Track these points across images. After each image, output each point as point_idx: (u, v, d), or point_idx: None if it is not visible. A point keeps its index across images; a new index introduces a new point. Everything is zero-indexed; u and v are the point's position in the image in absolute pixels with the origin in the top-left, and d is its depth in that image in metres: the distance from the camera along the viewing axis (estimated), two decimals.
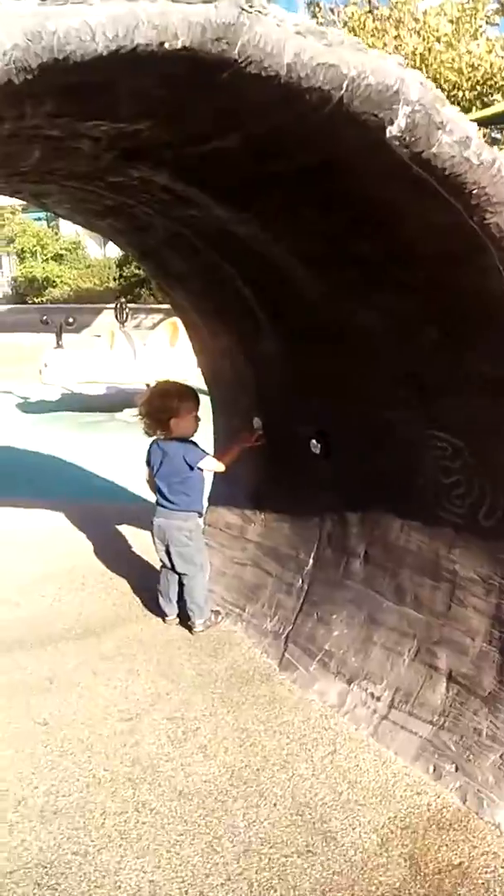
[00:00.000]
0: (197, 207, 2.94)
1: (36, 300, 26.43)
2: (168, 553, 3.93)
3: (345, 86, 1.68)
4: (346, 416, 3.36)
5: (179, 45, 1.58)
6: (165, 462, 3.85)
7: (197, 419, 3.87)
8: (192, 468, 3.81)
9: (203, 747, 3.07)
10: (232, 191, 2.62)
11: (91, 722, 3.27)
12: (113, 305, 14.67)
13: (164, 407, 3.80)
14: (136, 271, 23.68)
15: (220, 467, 3.92)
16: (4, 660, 3.79)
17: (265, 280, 3.34)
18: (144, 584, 4.55)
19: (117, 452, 7.93)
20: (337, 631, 3.45)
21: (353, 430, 3.35)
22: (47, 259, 27.84)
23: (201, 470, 3.87)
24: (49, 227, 29.73)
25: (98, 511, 6.03)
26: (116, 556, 5.06)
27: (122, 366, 9.65)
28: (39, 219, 30.44)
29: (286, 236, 2.83)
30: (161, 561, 4.02)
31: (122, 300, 11.58)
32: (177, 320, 10.52)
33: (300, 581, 3.77)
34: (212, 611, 4.05)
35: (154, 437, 3.93)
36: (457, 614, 2.96)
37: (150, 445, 3.97)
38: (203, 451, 3.87)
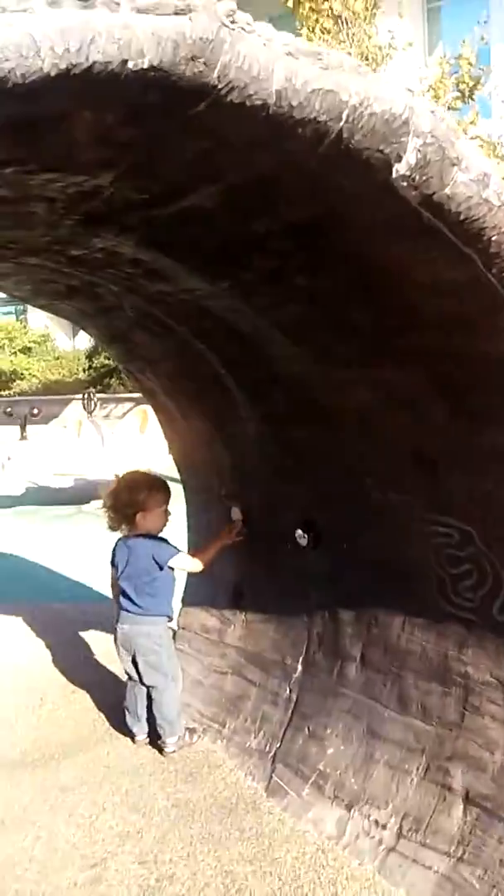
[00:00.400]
0: (167, 281, 2.68)
1: (3, 393, 26.16)
2: (135, 664, 3.52)
3: (345, 116, 1.42)
4: (338, 501, 3.04)
5: (146, 65, 1.31)
6: (132, 561, 3.48)
7: (167, 514, 3.53)
8: (161, 567, 3.44)
9: None
10: (208, 258, 2.35)
11: (47, 870, 2.79)
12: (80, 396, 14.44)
13: (130, 501, 3.45)
14: (106, 361, 23.57)
15: (196, 566, 3.55)
16: None
17: (245, 358, 3.06)
18: (110, 698, 4.08)
19: (82, 548, 7.49)
20: (332, 748, 3.04)
21: (346, 516, 3.03)
22: (15, 352, 27.72)
23: (172, 569, 3.50)
24: (17, 320, 29.75)
25: (59, 614, 5.57)
26: (78, 667, 4.59)
27: (89, 456, 9.31)
28: (8, 312, 30.51)
29: (270, 308, 2.57)
30: (127, 673, 3.60)
31: (91, 390, 11.32)
32: (147, 408, 10.29)
33: (288, 690, 3.36)
34: (186, 728, 3.60)
35: (120, 535, 3.57)
36: (472, 724, 2.58)
37: (116, 543, 3.60)
38: (174, 547, 3.51)
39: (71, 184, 1.76)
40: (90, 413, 10.39)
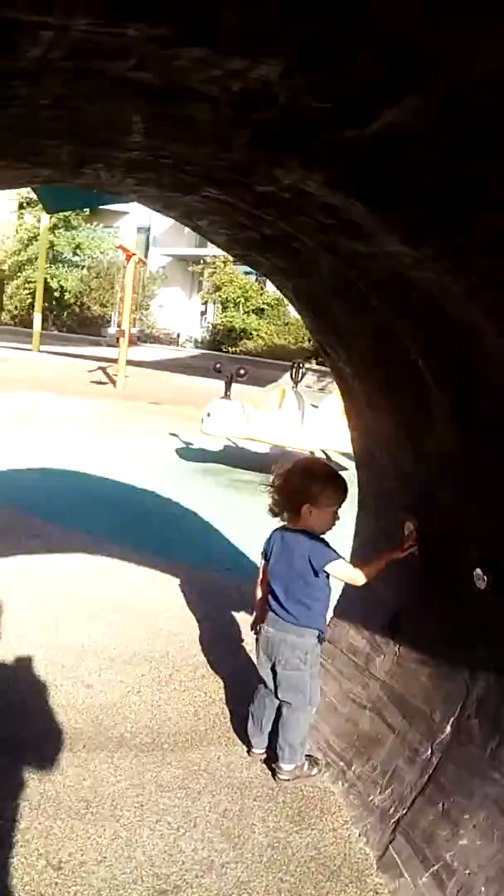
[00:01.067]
0: (365, 239, 2.18)
1: (230, 349, 26.71)
2: (273, 673, 3.10)
3: None
4: None
5: None
6: (286, 558, 3.06)
7: (336, 515, 3.06)
8: (317, 572, 2.99)
9: None
10: (412, 210, 1.83)
11: (114, 880, 2.47)
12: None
13: (301, 488, 3.01)
14: None
15: (356, 577, 3.05)
16: (47, 763, 3.07)
17: (450, 351, 2.51)
18: (241, 695, 3.72)
19: (260, 521, 7.22)
20: (466, 839, 2.46)
21: None
22: (248, 311, 28.18)
23: (327, 576, 3.03)
24: (256, 280, 30.20)
25: (217, 587, 5.29)
26: (220, 649, 4.28)
27: (287, 427, 8.98)
28: (248, 273, 31.05)
29: (486, 289, 2.00)
30: (261, 679, 3.19)
31: (301, 360, 10.96)
32: None
33: (429, 751, 2.80)
34: (307, 756, 3.16)
35: (278, 525, 3.15)
36: None
37: (272, 533, 3.19)
38: (334, 552, 3.04)
39: (229, 73, 1.31)
40: (296, 383, 10.02)
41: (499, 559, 2.63)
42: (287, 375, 11.81)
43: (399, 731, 2.99)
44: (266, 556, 3.19)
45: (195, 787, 3.03)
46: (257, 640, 3.21)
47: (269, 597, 3.13)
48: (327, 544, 3.04)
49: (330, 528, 3.06)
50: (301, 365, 10.45)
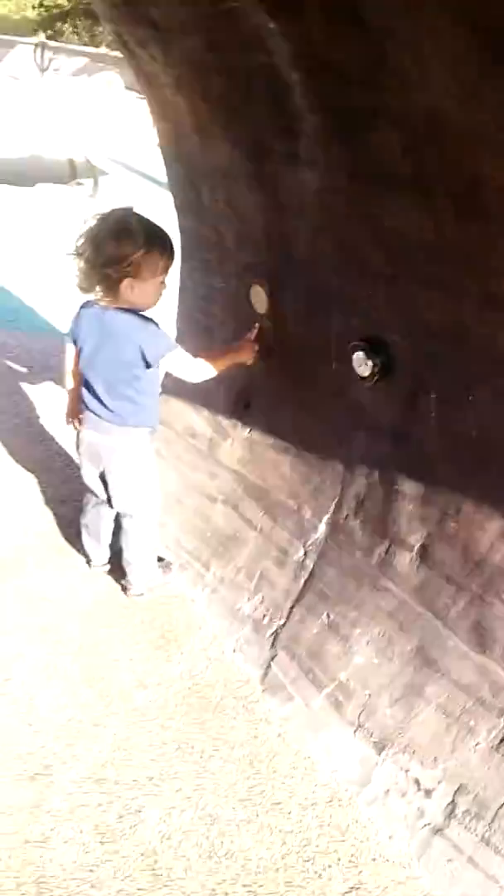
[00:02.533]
0: None
1: None
2: (103, 481, 2.57)
3: None
4: (437, 325, 1.96)
5: None
6: (107, 346, 2.37)
7: (163, 286, 2.37)
8: (149, 365, 2.37)
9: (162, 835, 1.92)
10: None
11: None
12: (32, 42, 11.88)
13: (116, 256, 2.24)
14: (60, 0, 19.90)
15: (198, 373, 2.47)
16: None
17: (330, 62, 1.77)
18: (61, 495, 3.21)
19: (27, 247, 6.18)
20: (361, 657, 2.25)
21: (446, 350, 1.97)
22: None
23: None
24: None
25: None
26: (22, 436, 3.64)
27: (43, 127, 7.52)
28: None
29: None
30: (89, 489, 2.66)
31: (44, 41, 9.05)
32: (114, 76, 8.28)
33: (301, 552, 2.50)
34: (158, 560, 2.78)
35: (88, 299, 2.41)
36: None
37: (81, 310, 2.46)
38: (170, 339, 2.41)
39: None
40: (43, 71, 8.30)
41: (384, 342, 2.16)
42: (25, 52, 9.83)
43: (261, 528, 2.65)
44: (74, 338, 2.49)
45: (38, 623, 2.58)
46: (77, 443, 2.62)
47: (85, 391, 2.49)
48: (158, 326, 2.39)
49: (156, 303, 2.39)
50: (46, 47, 8.62)
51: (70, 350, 2.55)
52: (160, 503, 2.72)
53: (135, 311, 2.35)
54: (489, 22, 1.30)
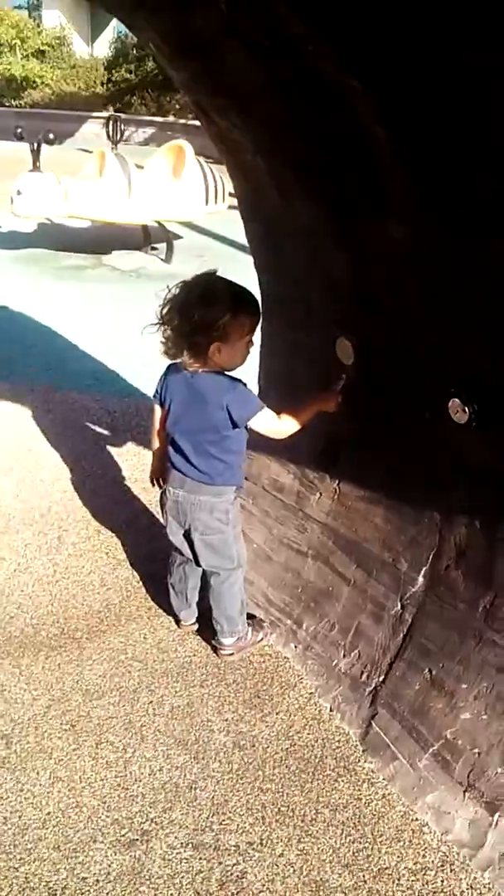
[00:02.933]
0: None
1: (13, 102, 23.31)
2: (189, 540, 2.56)
3: None
4: None
5: None
6: (194, 409, 2.39)
7: (250, 344, 2.39)
8: (236, 425, 2.37)
9: None
10: None
11: (70, 842, 2.02)
12: (102, 116, 12.42)
13: (204, 323, 2.25)
14: (127, 75, 20.82)
15: (284, 431, 2.46)
16: None
17: (419, 112, 1.78)
18: (149, 549, 3.21)
19: (105, 313, 6.35)
20: (468, 713, 2.16)
21: None
22: (27, 55, 24.32)
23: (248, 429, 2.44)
24: (31, 16, 25.94)
25: (80, 409, 4.57)
26: (107, 495, 3.68)
27: (112, 198, 7.80)
28: (19, 6, 26.57)
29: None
30: (176, 549, 2.65)
31: (117, 114, 9.45)
32: (183, 143, 8.56)
33: (399, 606, 2.44)
34: (249, 619, 2.74)
35: (165, 358, 2.43)
36: None
37: (168, 372, 2.48)
38: (257, 399, 2.41)
39: None
40: (115, 144, 8.65)
41: (481, 384, 2.11)
42: (95, 127, 10.25)
43: (355, 582, 2.60)
44: (161, 400, 2.51)
45: (129, 685, 2.56)
46: (162, 502, 2.62)
47: (172, 451, 2.50)
48: (245, 387, 2.40)
49: (244, 362, 2.41)
50: (118, 120, 8.99)
51: (157, 411, 2.58)
52: (246, 560, 2.69)
53: (221, 373, 2.36)
54: None
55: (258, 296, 2.83)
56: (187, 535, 2.56)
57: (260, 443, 2.94)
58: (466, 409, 2.12)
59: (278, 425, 2.42)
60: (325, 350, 2.59)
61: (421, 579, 2.39)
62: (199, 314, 2.24)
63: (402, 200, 2.03)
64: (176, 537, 2.60)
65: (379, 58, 1.71)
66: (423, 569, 2.38)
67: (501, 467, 2.10)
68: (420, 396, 2.29)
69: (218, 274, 2.37)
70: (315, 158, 2.27)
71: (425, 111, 1.75)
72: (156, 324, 2.34)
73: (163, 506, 2.61)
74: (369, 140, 1.98)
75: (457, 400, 2.14)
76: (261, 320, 2.84)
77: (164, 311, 2.32)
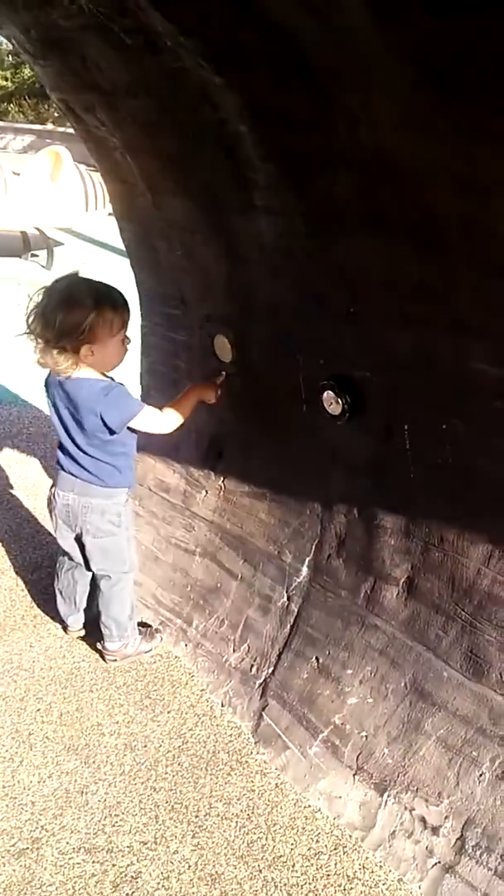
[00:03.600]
0: None
1: None
2: (80, 544, 2.52)
3: None
4: (404, 358, 1.98)
5: None
6: (73, 414, 2.34)
7: (125, 342, 2.36)
8: (113, 432, 2.34)
9: None
10: None
11: None
12: None
13: (70, 325, 2.19)
14: (3, 82, 20.40)
15: (166, 426, 2.45)
16: None
17: (291, 104, 1.82)
18: (34, 560, 3.15)
19: None
20: (355, 697, 2.21)
21: (412, 382, 1.99)
22: None
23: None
24: None
25: None
26: None
27: None
28: None
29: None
30: (63, 552, 2.61)
31: None
32: (60, 150, 8.45)
33: (285, 598, 2.47)
34: (141, 626, 2.71)
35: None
36: None
37: (48, 379, 2.42)
38: (134, 400, 2.39)
39: None
40: None
41: (351, 378, 2.18)
42: None
43: (242, 577, 2.62)
44: (51, 404, 2.45)
45: (15, 694, 2.49)
46: (51, 506, 2.56)
47: (60, 454, 2.46)
48: (122, 391, 2.34)
49: (120, 362, 2.37)
50: None
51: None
52: (137, 564, 2.67)
53: (97, 378, 2.30)
54: (434, 57, 1.35)
55: (136, 295, 2.84)
56: (78, 539, 2.51)
57: (144, 444, 2.93)
58: (339, 401, 2.18)
59: (161, 421, 2.41)
60: (204, 347, 2.61)
61: (305, 570, 2.43)
62: (62, 318, 2.18)
63: (268, 195, 2.07)
64: (66, 541, 2.55)
65: (238, 54, 1.73)
66: (307, 559, 2.42)
67: (374, 457, 2.16)
68: (296, 390, 2.34)
69: (80, 274, 2.34)
70: (184, 154, 2.28)
71: (283, 109, 1.79)
72: (23, 333, 2.28)
73: (52, 510, 2.55)
74: (235, 135, 2.01)
75: (330, 392, 2.19)
76: (140, 319, 2.85)
77: (30, 320, 2.25)
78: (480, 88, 1.31)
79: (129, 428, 2.35)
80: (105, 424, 2.28)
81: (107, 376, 2.35)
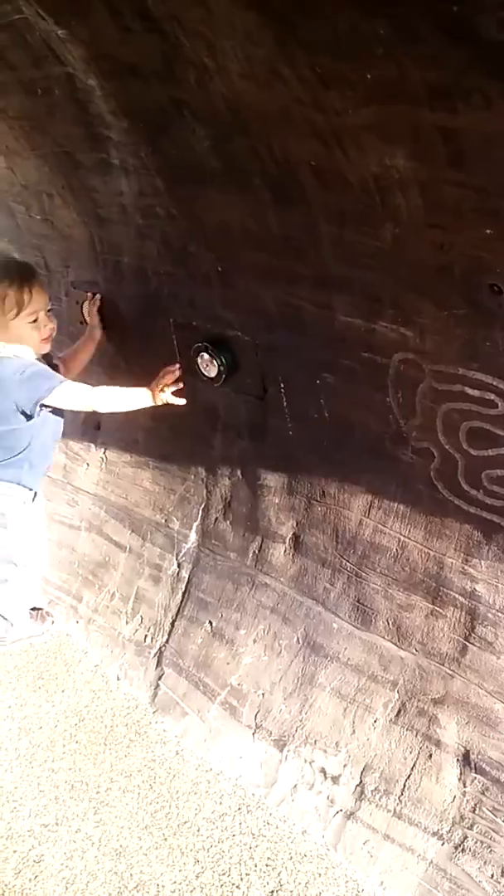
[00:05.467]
0: None
1: None
2: None
3: None
4: (278, 314, 1.96)
5: None
6: None
7: (48, 320, 2.18)
8: (29, 416, 2.17)
9: None
10: None
11: None
12: None
13: None
14: None
15: (94, 402, 2.20)
16: None
17: (134, 55, 1.74)
18: None
19: None
20: (250, 657, 2.22)
21: (286, 337, 1.98)
22: None
23: (46, 409, 2.19)
24: None
25: None
26: None
27: None
28: None
29: None
30: None
31: None
32: None
33: (175, 565, 2.45)
34: (33, 610, 2.63)
35: None
36: (478, 663, 1.82)
37: None
38: (50, 377, 2.16)
39: None
40: None
41: (225, 338, 2.15)
42: None
43: (130, 548, 2.58)
44: None
45: None
46: None
47: None
48: (38, 372, 2.14)
49: (38, 344, 2.17)
50: None
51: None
52: (37, 561, 2.54)
53: (15, 359, 2.13)
54: (275, 1, 1.31)
55: None
56: None
57: None
58: (215, 362, 2.15)
59: (85, 397, 2.17)
60: (73, 313, 2.53)
61: (193, 535, 2.41)
62: None
63: (123, 152, 1.99)
64: None
65: (76, 3, 1.65)
66: (195, 524, 2.40)
67: (252, 416, 2.15)
68: (171, 354, 2.29)
69: None
70: (35, 112, 2.17)
71: (130, 61, 1.72)
72: None
73: None
74: (85, 90, 1.92)
75: (205, 354, 2.16)
76: None
77: None
78: (323, 32, 1.28)
79: (53, 412, 2.20)
80: (18, 407, 2.13)
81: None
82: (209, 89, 1.63)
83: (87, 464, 2.72)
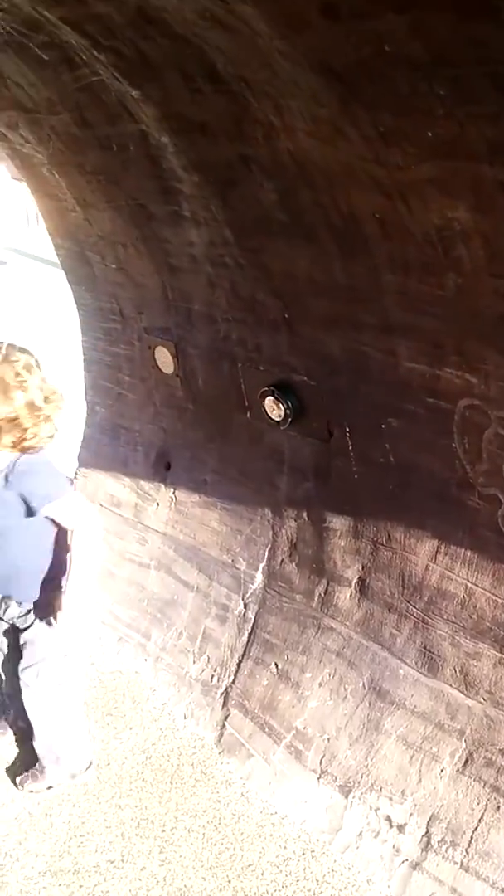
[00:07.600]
0: None
1: None
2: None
3: None
4: (341, 358, 2.00)
5: None
6: None
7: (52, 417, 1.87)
8: (33, 511, 1.89)
9: None
10: None
11: None
12: None
13: None
14: None
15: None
16: None
17: (223, 121, 1.82)
18: None
19: None
20: (315, 700, 2.21)
21: (350, 383, 2.00)
22: None
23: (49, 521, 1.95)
24: None
25: None
26: None
27: None
28: None
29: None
30: None
31: None
32: None
33: (241, 605, 2.47)
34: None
35: None
36: None
37: None
38: (65, 477, 2.00)
39: None
40: None
41: (291, 383, 2.19)
42: None
43: (198, 588, 2.61)
44: None
45: None
46: None
47: None
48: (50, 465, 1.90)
49: (50, 438, 1.88)
50: None
51: None
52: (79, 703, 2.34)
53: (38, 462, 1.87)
54: (335, 61, 1.36)
55: (75, 311, 2.82)
56: None
57: (93, 461, 2.92)
58: (280, 405, 2.18)
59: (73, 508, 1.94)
60: (145, 359, 2.60)
61: (259, 576, 2.43)
62: None
63: (194, 204, 2.07)
64: None
65: (149, 67, 1.73)
66: (261, 565, 2.42)
67: (318, 459, 2.17)
68: (239, 397, 2.34)
69: None
70: (110, 167, 2.27)
71: (200, 119, 1.79)
72: None
73: None
74: (157, 146, 2.01)
75: (271, 398, 2.20)
76: (81, 335, 2.84)
77: None
78: (381, 90, 1.32)
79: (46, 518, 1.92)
80: (25, 503, 1.88)
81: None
82: (276, 146, 1.69)
83: (157, 503, 2.78)
